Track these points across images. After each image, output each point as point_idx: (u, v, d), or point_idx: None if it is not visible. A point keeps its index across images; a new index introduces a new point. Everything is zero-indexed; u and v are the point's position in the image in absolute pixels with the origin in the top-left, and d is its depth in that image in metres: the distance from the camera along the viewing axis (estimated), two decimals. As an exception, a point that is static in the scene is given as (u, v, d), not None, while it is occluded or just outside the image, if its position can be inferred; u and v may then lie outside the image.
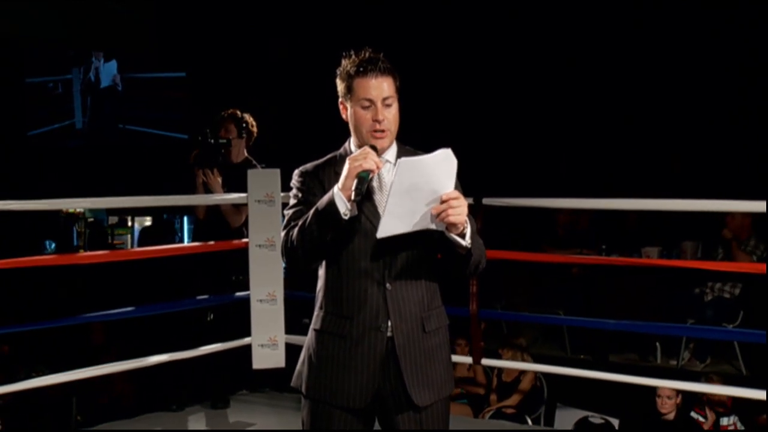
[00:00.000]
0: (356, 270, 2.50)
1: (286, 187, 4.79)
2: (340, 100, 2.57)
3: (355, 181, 2.37)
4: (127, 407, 5.90)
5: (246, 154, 5.25)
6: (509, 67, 8.96)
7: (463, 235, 2.42)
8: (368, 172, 2.39)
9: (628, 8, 8.33)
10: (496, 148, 8.96)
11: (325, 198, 2.42)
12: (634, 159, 8.55)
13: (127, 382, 6.37)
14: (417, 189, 2.35)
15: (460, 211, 2.37)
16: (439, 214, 2.37)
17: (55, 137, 10.62)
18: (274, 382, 5.42)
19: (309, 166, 2.63)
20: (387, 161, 2.55)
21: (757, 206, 4.01)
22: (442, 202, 2.36)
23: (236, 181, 4.94)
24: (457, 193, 2.38)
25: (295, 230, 2.49)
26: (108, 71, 10.81)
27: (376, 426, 2.62)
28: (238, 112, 5.24)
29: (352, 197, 2.38)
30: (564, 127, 8.97)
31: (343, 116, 2.59)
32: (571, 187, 7.63)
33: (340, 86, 2.55)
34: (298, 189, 2.60)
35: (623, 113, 8.54)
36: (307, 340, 2.63)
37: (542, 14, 8.79)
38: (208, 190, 5.07)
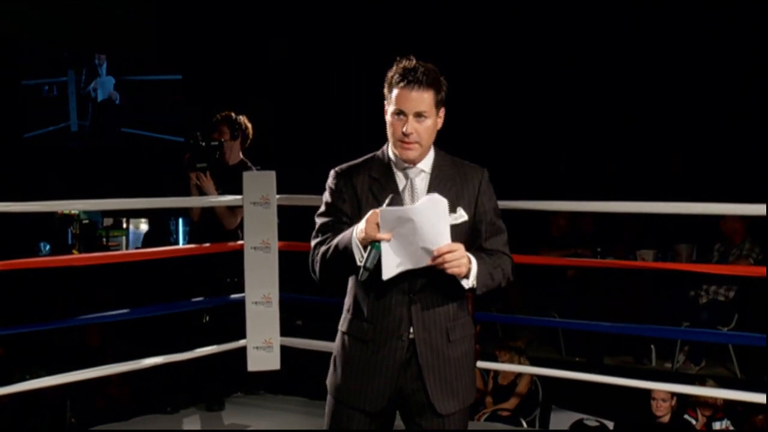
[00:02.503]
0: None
1: (281, 190, 4.81)
2: (385, 101, 2.58)
3: (365, 253, 2.40)
4: (122, 409, 5.89)
5: (241, 156, 5.25)
6: (506, 68, 8.97)
7: (468, 276, 2.46)
8: (378, 242, 2.39)
9: (628, 8, 8.34)
10: (493, 149, 8.96)
11: (344, 240, 2.45)
12: (632, 160, 8.56)
13: (122, 385, 6.36)
14: (407, 234, 2.37)
15: (455, 264, 2.40)
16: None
17: (51, 139, 10.60)
18: (270, 384, 5.41)
19: (345, 166, 2.65)
20: (422, 171, 2.57)
21: (756, 209, 4.00)
22: (436, 257, 2.38)
23: (231, 183, 4.93)
24: (450, 246, 2.38)
25: (319, 254, 2.54)
26: (106, 86, 10.79)
27: (396, 428, 2.67)
28: (233, 114, 5.24)
29: (362, 267, 2.40)
30: (561, 129, 8.98)
31: (386, 119, 2.61)
32: (568, 190, 7.65)
33: (386, 90, 2.56)
34: (330, 192, 2.62)
35: (622, 114, 8.55)
36: (336, 341, 2.68)
37: (542, 14, 8.79)
38: (201, 192, 5.06)
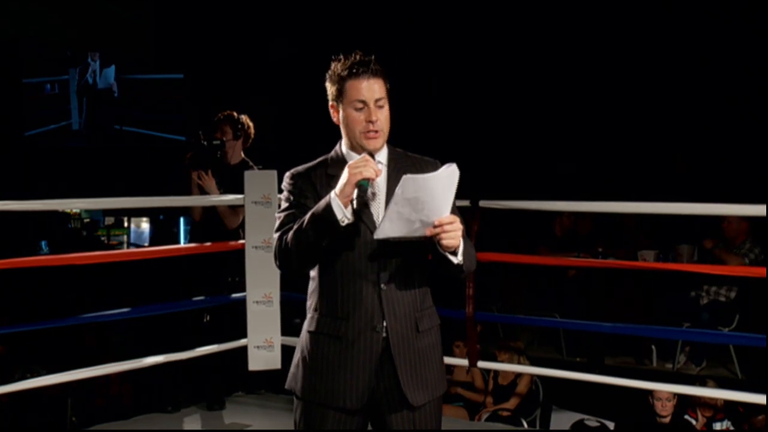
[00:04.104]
0: (351, 271, 2.51)
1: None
2: (330, 103, 2.58)
3: (356, 190, 2.38)
4: (123, 408, 5.89)
5: (243, 155, 5.25)
6: (506, 68, 8.97)
7: (456, 253, 2.44)
8: (368, 180, 2.39)
9: (628, 8, 8.34)
10: (494, 150, 8.97)
11: (322, 204, 2.42)
12: (634, 161, 8.56)
13: (123, 383, 6.36)
14: (418, 202, 2.35)
15: (453, 235, 2.39)
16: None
17: (52, 138, 10.61)
18: (270, 383, 5.41)
19: (300, 168, 2.63)
20: (379, 162, 2.55)
21: (756, 210, 4.00)
22: (436, 226, 2.37)
23: (233, 183, 4.94)
24: (451, 218, 2.39)
25: (290, 234, 2.48)
26: (105, 77, 10.80)
27: (370, 427, 2.63)
28: (235, 114, 5.24)
29: (354, 206, 2.39)
30: (562, 129, 8.98)
31: (334, 119, 2.60)
32: (569, 190, 7.64)
33: (331, 89, 2.56)
34: (290, 192, 2.60)
35: (622, 114, 8.55)
36: (300, 342, 2.63)
37: (541, 14, 8.80)
38: (203, 191, 5.07)
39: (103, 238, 10.40)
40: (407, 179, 2.33)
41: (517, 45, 8.91)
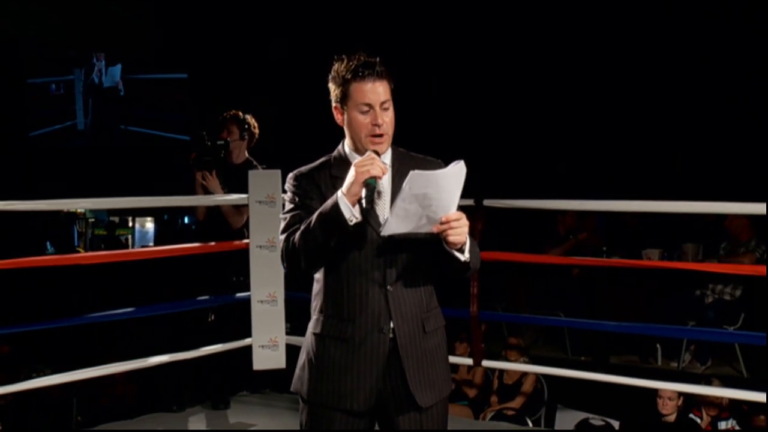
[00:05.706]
0: (357, 272, 2.49)
1: (286, 188, 4.81)
2: (333, 105, 2.55)
3: (364, 189, 2.37)
4: (128, 408, 5.90)
5: (247, 155, 5.25)
6: (509, 68, 8.97)
7: (462, 250, 2.43)
8: (375, 178, 2.38)
9: (628, 8, 8.34)
10: (498, 149, 8.96)
11: (329, 203, 2.41)
12: (635, 160, 8.55)
13: (128, 383, 6.38)
14: (426, 198, 2.35)
15: (460, 231, 2.38)
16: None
17: (57, 138, 10.63)
18: (275, 383, 5.42)
19: (303, 169, 2.62)
20: (384, 164, 2.54)
21: (757, 208, 4.00)
22: (443, 222, 2.37)
23: (237, 182, 4.94)
24: (457, 215, 2.38)
25: (297, 235, 2.47)
26: (112, 75, 10.82)
27: (377, 428, 2.62)
28: (240, 114, 5.24)
29: (364, 204, 2.37)
30: (565, 128, 8.97)
31: (338, 121, 2.57)
32: (572, 189, 7.64)
33: (335, 91, 2.53)
34: (294, 193, 2.58)
35: (623, 113, 8.55)
36: (305, 344, 2.62)
37: (542, 14, 8.79)
38: (207, 191, 5.07)
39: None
40: (415, 174, 2.32)
41: (518, 44, 8.91)
